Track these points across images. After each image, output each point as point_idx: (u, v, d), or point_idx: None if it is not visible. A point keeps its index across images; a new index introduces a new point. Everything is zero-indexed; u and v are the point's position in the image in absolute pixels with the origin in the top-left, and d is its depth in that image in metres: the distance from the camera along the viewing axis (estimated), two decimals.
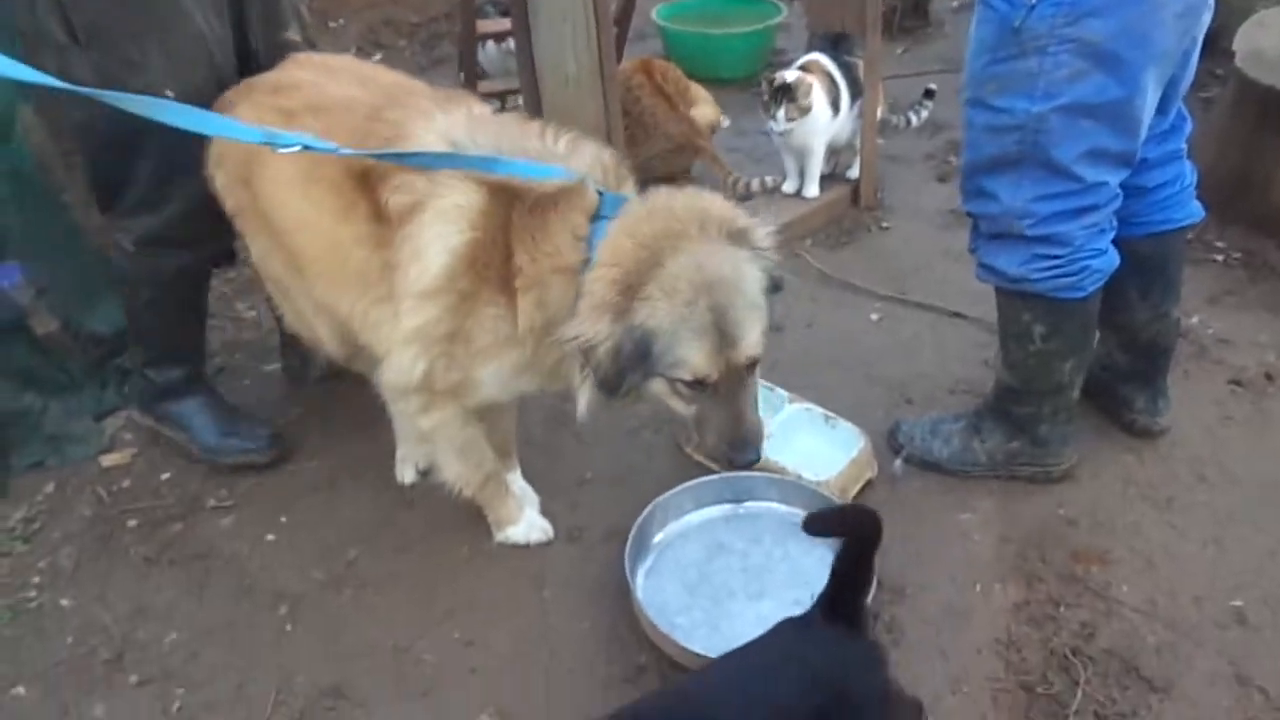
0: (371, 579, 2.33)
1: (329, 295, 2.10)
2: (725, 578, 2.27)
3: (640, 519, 2.29)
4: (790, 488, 2.39)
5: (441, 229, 1.86)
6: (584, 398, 1.90)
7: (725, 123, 4.23)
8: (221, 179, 2.23)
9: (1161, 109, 2.06)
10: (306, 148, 1.81)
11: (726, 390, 1.77)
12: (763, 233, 1.85)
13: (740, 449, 1.80)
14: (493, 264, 1.86)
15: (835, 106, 3.44)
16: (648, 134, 3.62)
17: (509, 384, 2.05)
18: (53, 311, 3.01)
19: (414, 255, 1.88)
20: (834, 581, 1.63)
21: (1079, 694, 1.95)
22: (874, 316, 3.11)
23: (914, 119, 3.84)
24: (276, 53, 2.33)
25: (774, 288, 1.84)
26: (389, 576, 2.33)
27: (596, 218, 1.82)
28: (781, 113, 3.34)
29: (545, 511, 2.44)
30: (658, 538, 2.36)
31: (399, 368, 2.02)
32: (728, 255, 1.75)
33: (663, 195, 1.84)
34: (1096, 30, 1.82)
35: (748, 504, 2.43)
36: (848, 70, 3.52)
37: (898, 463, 2.51)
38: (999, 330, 2.30)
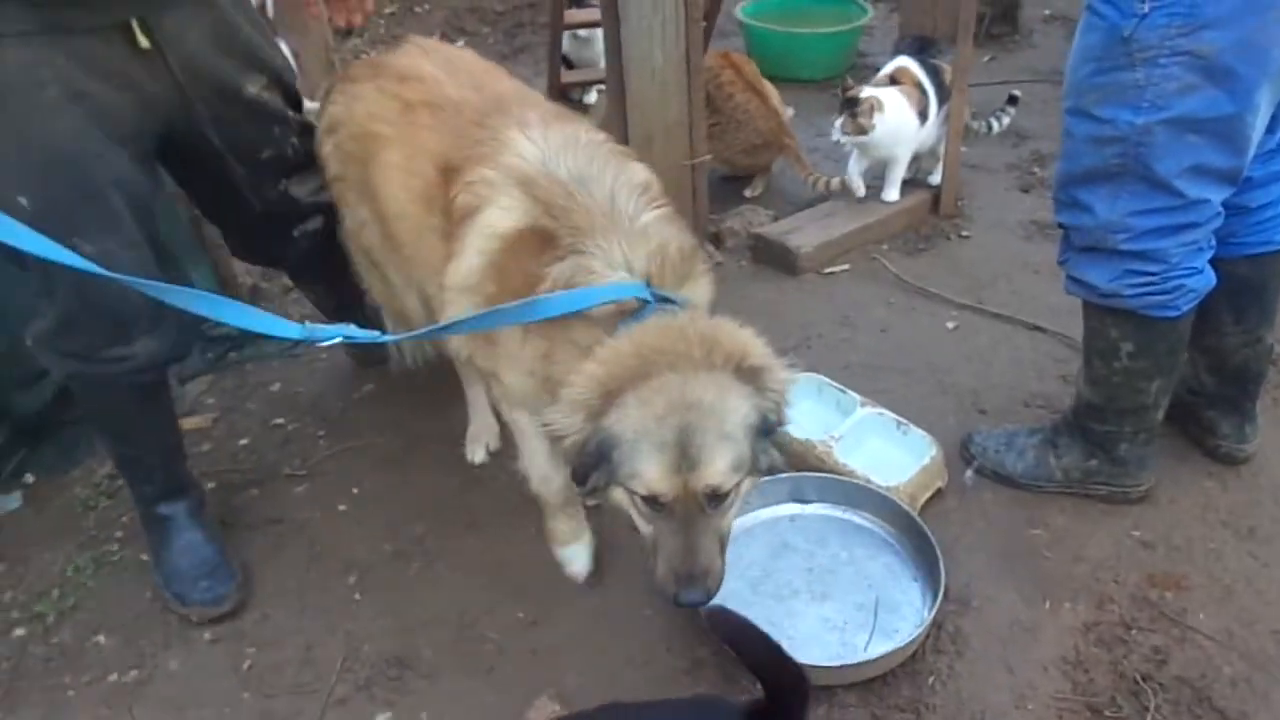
0: (439, 554, 2.37)
1: (418, 275, 2.16)
2: (789, 577, 2.26)
3: None
4: (858, 491, 2.38)
5: (484, 232, 1.88)
6: (557, 477, 2.06)
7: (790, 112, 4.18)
8: (330, 146, 2.31)
9: (1270, 127, 2.00)
10: (347, 339, 1.82)
11: (684, 517, 1.69)
12: (779, 376, 1.78)
13: (685, 583, 1.70)
14: (519, 279, 1.82)
15: (923, 115, 3.40)
16: (737, 128, 3.61)
17: (533, 397, 1.97)
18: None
19: (460, 251, 1.93)
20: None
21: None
22: (950, 325, 3.07)
23: (995, 125, 3.78)
24: (232, 110, 2.11)
25: (766, 430, 1.75)
26: (456, 553, 2.37)
27: (627, 319, 1.75)
28: (839, 123, 3.35)
29: None
30: None
31: (454, 350, 2.17)
32: (717, 384, 1.68)
33: (690, 317, 1.75)
34: (1212, 43, 1.77)
35: (814, 505, 2.42)
36: (935, 75, 3.48)
37: (969, 473, 2.48)
38: (1084, 345, 2.25)
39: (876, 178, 3.56)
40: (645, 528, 1.76)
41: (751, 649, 1.39)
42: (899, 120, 3.34)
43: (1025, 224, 3.55)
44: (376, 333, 1.84)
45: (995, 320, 3.06)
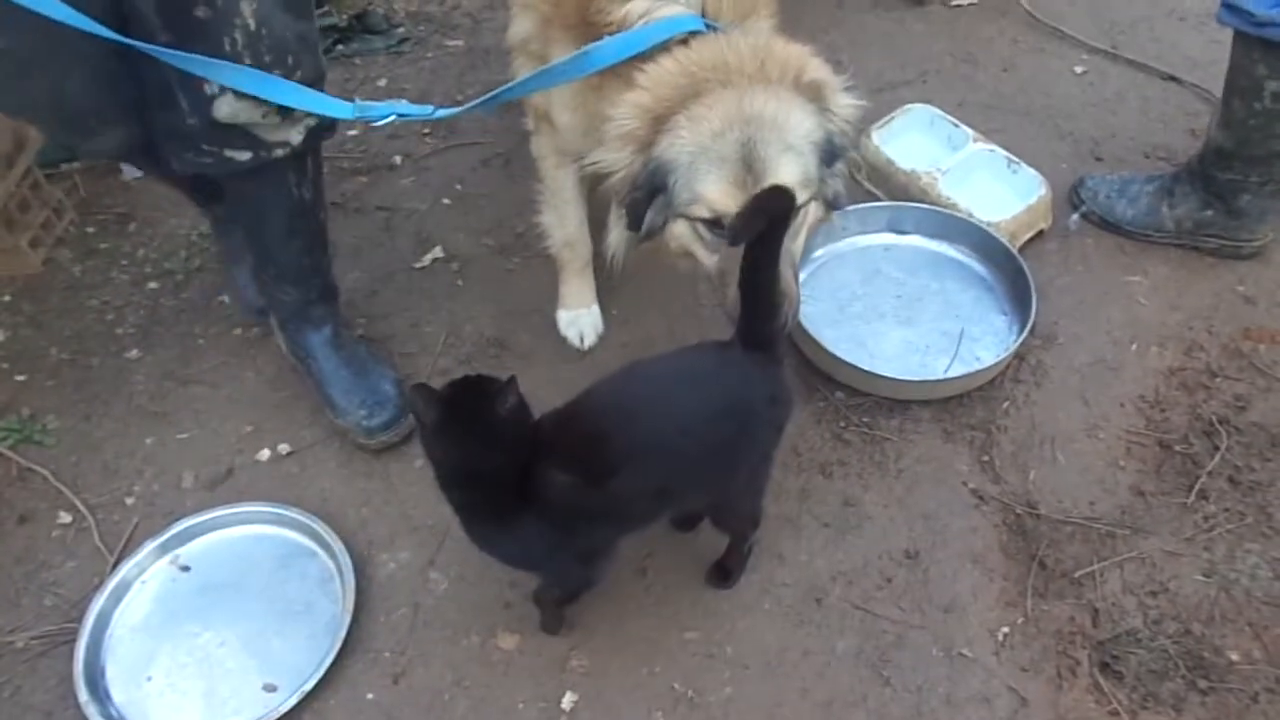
0: (537, 251, 2.43)
1: None
2: (878, 301, 2.30)
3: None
4: (957, 224, 2.36)
5: None
6: (614, 232, 1.80)
7: None
8: None
9: None
10: (400, 116, 1.66)
11: None
12: (843, 98, 1.65)
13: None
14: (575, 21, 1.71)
15: None
16: None
17: (582, 140, 1.86)
18: None
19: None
20: (743, 310, 1.50)
21: (1217, 458, 1.96)
22: (1078, 69, 2.89)
23: None
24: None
25: (830, 155, 1.63)
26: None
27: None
28: None
29: None
30: (819, 253, 2.38)
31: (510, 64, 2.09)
32: (776, 97, 1.56)
33: (739, 35, 1.62)
34: None
35: (911, 236, 2.41)
36: None
37: (1074, 217, 2.43)
38: (1225, 83, 2.12)
39: None
40: (709, 258, 1.66)
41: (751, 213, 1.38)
42: None
43: None
44: (429, 108, 1.67)
45: (1128, 67, 2.88)
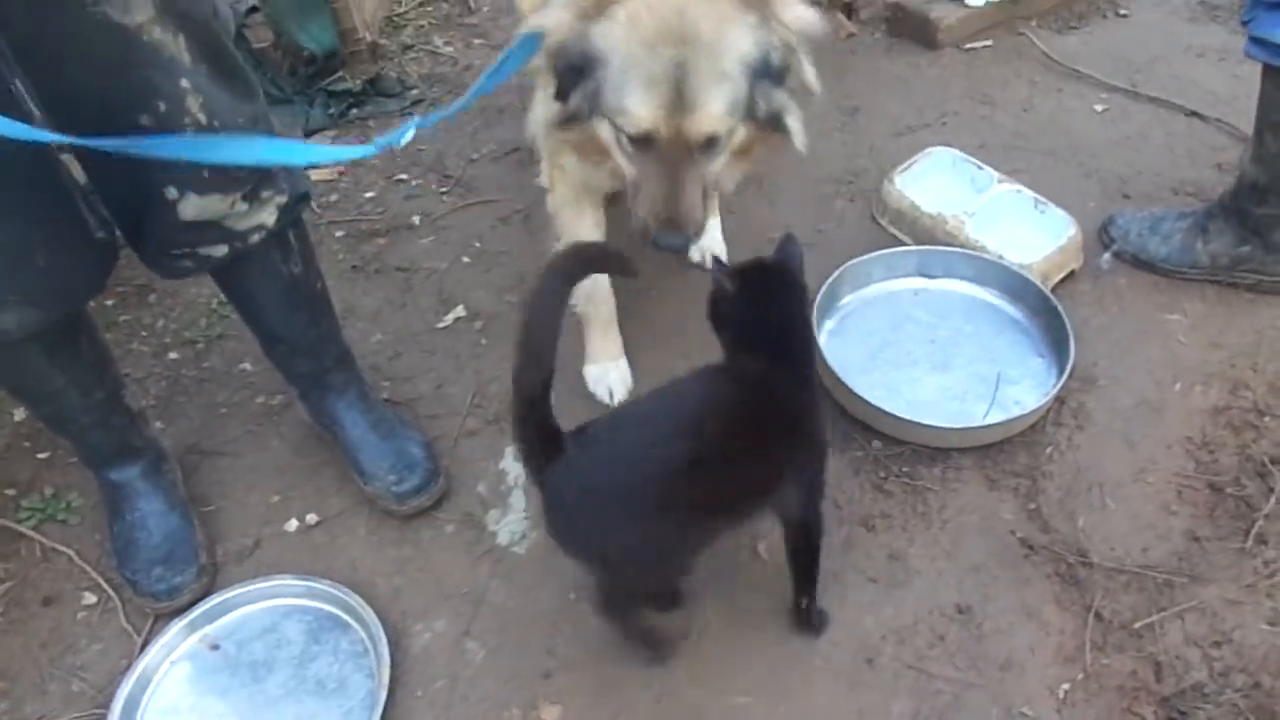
0: None
1: None
2: (910, 347, 2.25)
3: (830, 280, 2.27)
4: (987, 267, 2.32)
5: None
6: (538, 107, 1.78)
7: None
8: None
9: None
10: (420, 125, 1.58)
11: (671, 160, 1.60)
12: (789, 10, 1.62)
13: (665, 228, 1.63)
14: None
15: None
16: None
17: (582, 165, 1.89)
18: (268, 25, 3.11)
19: None
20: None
21: (1272, 500, 1.90)
22: (1098, 108, 2.88)
23: None
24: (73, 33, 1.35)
25: (766, 71, 1.60)
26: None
27: None
28: None
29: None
30: (845, 300, 2.34)
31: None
32: (717, 12, 1.54)
33: None
34: None
35: (940, 280, 2.37)
36: None
37: (1106, 255, 2.39)
38: (1256, 117, 2.09)
39: None
40: (629, 168, 1.68)
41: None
42: None
43: (1191, 4, 3.26)
44: (447, 111, 1.59)
45: (1149, 104, 2.86)
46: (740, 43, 1.57)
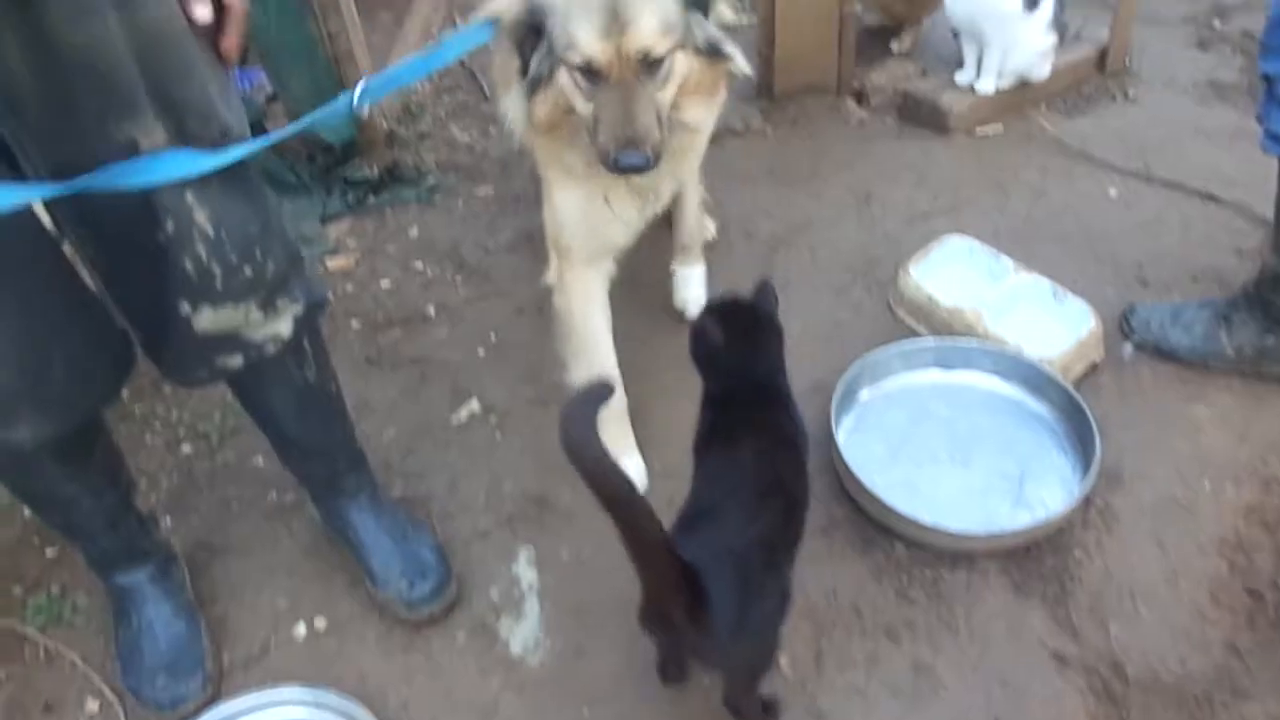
0: None
1: None
2: (931, 443, 2.21)
3: (847, 375, 2.25)
4: (1007, 360, 2.29)
5: None
6: (507, 99, 1.96)
7: None
8: None
9: None
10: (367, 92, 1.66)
11: (621, 86, 1.75)
12: None
13: (624, 147, 1.75)
14: None
15: (1033, 0, 2.97)
16: None
17: (584, 237, 2.08)
18: (286, 117, 3.14)
19: None
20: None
21: None
22: (1112, 192, 2.88)
23: None
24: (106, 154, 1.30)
25: (697, 5, 1.79)
26: None
27: None
28: None
29: None
30: (863, 396, 2.31)
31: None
32: None
33: None
34: None
35: (959, 372, 2.34)
36: None
37: (1128, 347, 2.36)
38: (1275, 207, 2.07)
39: None
40: (586, 106, 1.80)
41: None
42: None
43: (1201, 85, 3.27)
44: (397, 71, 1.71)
45: (1163, 189, 2.86)
46: None
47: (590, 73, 1.75)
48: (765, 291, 1.77)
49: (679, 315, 2.58)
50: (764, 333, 1.76)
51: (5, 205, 1.21)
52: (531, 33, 1.77)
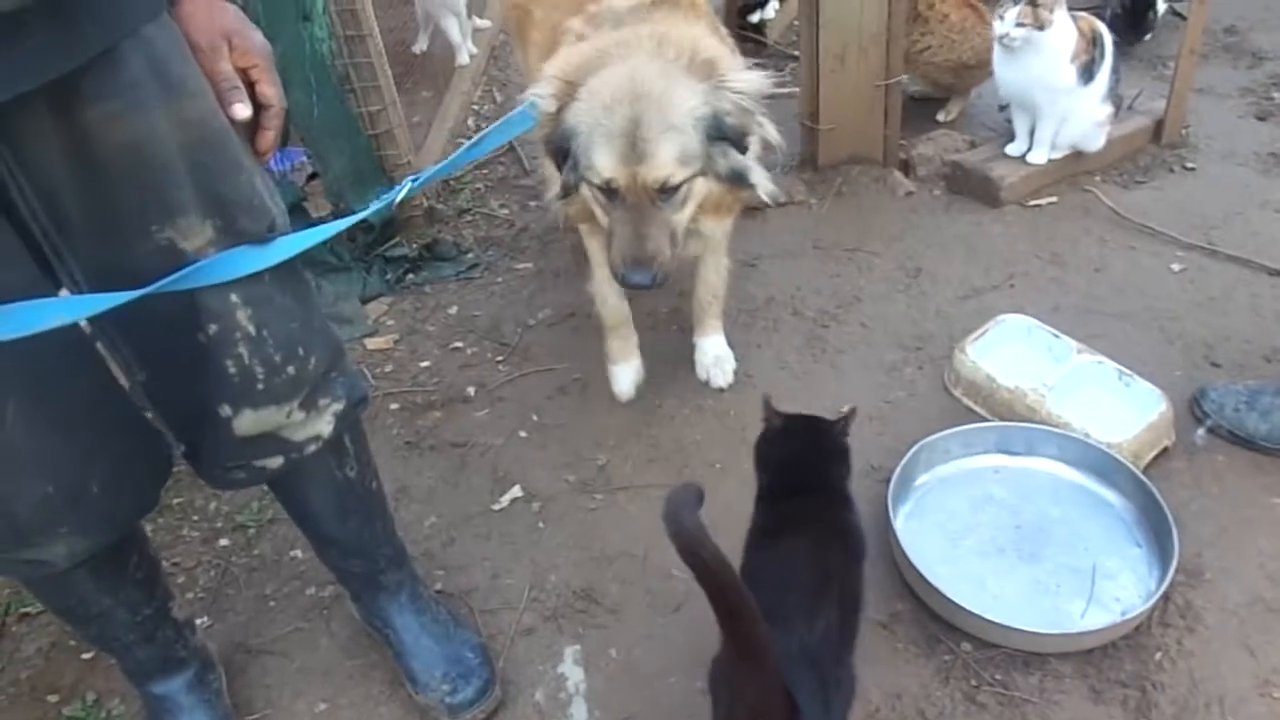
0: (622, 487, 2.31)
1: None
2: (993, 533, 2.10)
3: (905, 459, 2.15)
4: (1073, 445, 2.19)
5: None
6: (551, 190, 2.10)
7: None
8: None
9: None
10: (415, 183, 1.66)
11: (635, 207, 1.84)
12: (737, 76, 1.88)
13: (631, 266, 1.85)
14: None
15: (1088, 72, 2.93)
16: (949, 47, 3.35)
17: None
18: (326, 196, 3.15)
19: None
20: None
21: None
22: (1175, 267, 2.78)
23: None
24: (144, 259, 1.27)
25: (718, 130, 1.85)
26: (639, 486, 2.31)
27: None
28: (1013, 12, 2.80)
29: None
30: (921, 480, 2.21)
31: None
32: (665, 75, 1.82)
33: (652, 23, 1.94)
34: None
35: (1022, 458, 2.24)
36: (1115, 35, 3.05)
37: (1200, 432, 2.25)
38: None
39: None
40: (604, 219, 1.93)
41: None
42: (1060, 46, 2.87)
43: (1262, 156, 3.18)
44: (441, 167, 1.77)
45: (1229, 263, 2.76)
46: (688, 100, 1.83)
47: (609, 191, 1.85)
48: (847, 420, 1.75)
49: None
50: (832, 458, 1.74)
51: (68, 317, 1.19)
52: (561, 152, 1.90)
